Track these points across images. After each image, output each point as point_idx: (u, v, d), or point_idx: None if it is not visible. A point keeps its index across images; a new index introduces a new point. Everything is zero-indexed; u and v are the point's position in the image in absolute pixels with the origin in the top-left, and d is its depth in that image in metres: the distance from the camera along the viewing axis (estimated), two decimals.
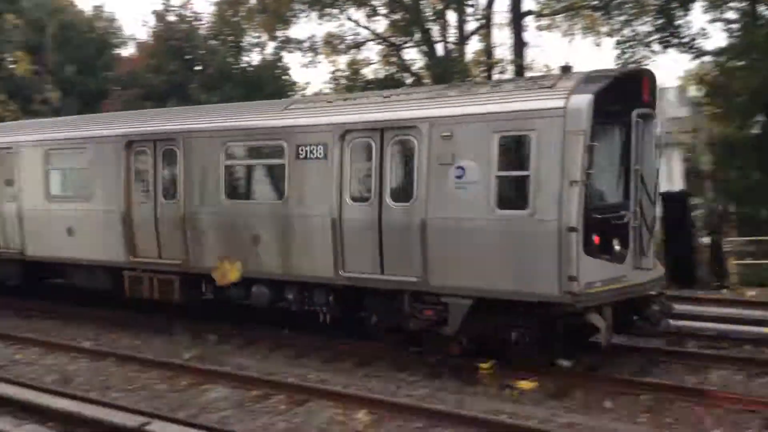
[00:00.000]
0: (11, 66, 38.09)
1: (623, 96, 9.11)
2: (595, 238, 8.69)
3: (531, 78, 10.63)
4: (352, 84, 28.33)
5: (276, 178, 10.99)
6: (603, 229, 8.81)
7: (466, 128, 9.23)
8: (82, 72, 38.69)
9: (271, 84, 30.07)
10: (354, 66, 29.09)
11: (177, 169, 11.85)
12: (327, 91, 29.52)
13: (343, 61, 29.44)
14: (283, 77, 32.43)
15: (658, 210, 11.46)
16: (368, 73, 29.13)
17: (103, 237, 12.70)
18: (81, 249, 13.11)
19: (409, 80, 28.77)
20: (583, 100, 8.48)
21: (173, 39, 32.09)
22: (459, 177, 9.19)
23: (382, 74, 28.76)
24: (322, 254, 10.29)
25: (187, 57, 32.00)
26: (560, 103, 8.59)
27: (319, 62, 36.17)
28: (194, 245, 11.73)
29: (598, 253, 8.72)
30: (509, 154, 9.09)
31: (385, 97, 10.75)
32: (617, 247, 8.99)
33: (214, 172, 11.45)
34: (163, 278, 12.27)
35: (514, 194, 9.02)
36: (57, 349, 12.12)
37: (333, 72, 29.49)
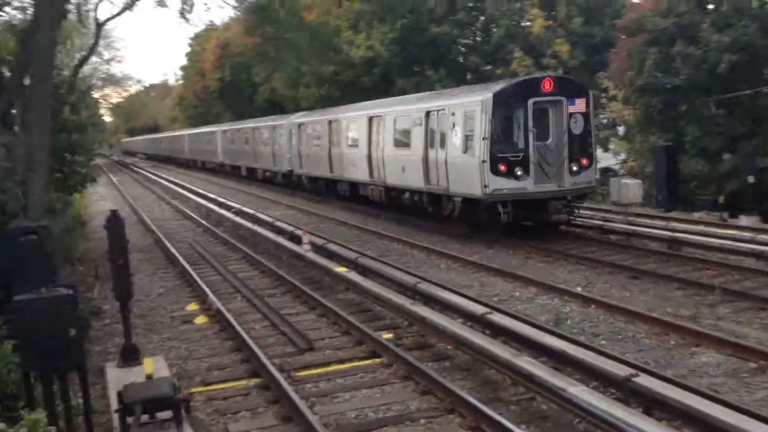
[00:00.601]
0: (527, 24, 41.23)
1: (521, 92, 16.87)
2: (502, 167, 16.44)
3: (487, 83, 20.53)
4: None
5: (407, 137, 20.48)
6: (508, 162, 16.54)
7: (456, 110, 17.79)
8: (587, 22, 39.66)
9: None
10: None
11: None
12: None
13: None
14: None
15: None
16: None
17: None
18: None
19: None
20: (489, 97, 16.68)
21: None
22: (455, 135, 17.71)
23: None
24: (420, 176, 19.39)
25: None
26: (481, 98, 16.92)
27: None
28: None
29: (503, 175, 16.50)
30: (467, 123, 17.25)
31: (446, 94, 20.16)
32: (519, 173, 16.57)
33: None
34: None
35: (469, 144, 17.19)
36: (550, 291, 13.05)
37: None
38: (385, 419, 7.78)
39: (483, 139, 16.54)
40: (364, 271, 14.33)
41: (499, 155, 16.59)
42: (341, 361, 9.67)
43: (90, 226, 23.88)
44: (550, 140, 17.04)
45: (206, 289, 13.71)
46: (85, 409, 6.99)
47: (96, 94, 52.82)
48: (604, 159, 30.88)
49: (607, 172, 29.42)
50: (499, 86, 17.37)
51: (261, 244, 18.92)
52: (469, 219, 18.07)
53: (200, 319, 12.29)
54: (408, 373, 8.96)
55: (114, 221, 9.14)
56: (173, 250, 18.31)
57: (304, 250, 15.78)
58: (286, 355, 10.07)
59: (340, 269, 14.05)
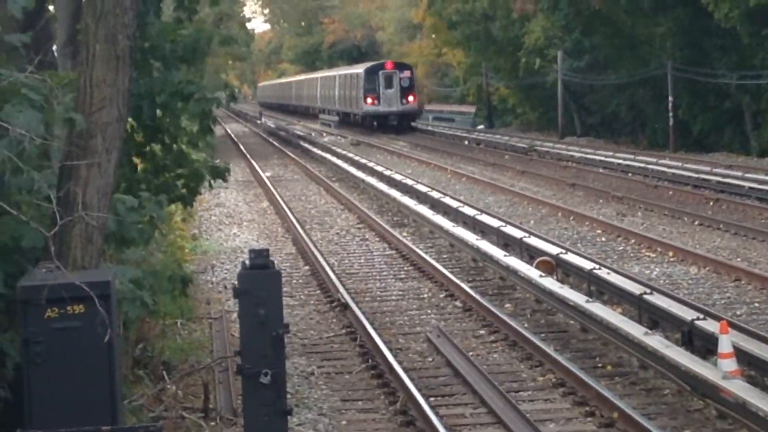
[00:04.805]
0: None
1: (377, 68, 54.74)
2: (371, 101, 53.42)
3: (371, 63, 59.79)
4: None
5: (347, 89, 58.58)
6: (375, 97, 53.44)
7: (352, 76, 57.75)
8: None
9: None
10: None
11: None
12: None
13: None
14: None
15: None
16: None
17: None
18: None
19: None
20: (362, 70, 55.72)
21: None
22: (358, 89, 55.60)
23: None
24: (357, 107, 56.25)
25: None
26: (361, 71, 55.86)
27: None
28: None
29: (371, 104, 54.01)
30: (353, 84, 56.65)
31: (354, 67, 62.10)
32: (378, 102, 53.38)
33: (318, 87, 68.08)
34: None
35: (355, 96, 57.10)
36: None
37: None
38: None
39: (363, 91, 52.47)
40: None
41: (369, 95, 52.20)
42: None
43: (199, 285, 14.18)
44: (392, 90, 51.64)
45: None
46: None
47: None
48: None
49: None
50: (366, 66, 55.48)
51: (599, 349, 9.55)
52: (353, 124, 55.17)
53: None
54: None
55: (254, 278, 6.50)
56: (388, 355, 9.27)
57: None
58: None
59: None
